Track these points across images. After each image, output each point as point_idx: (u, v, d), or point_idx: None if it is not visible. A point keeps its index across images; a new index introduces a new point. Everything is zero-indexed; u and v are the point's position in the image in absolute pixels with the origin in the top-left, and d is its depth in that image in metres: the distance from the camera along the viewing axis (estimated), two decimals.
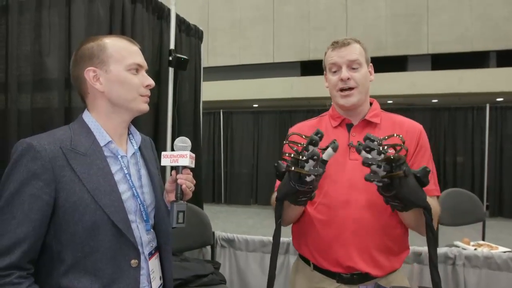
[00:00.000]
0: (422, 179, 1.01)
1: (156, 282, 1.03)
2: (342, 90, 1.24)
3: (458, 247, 2.50)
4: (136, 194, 1.00)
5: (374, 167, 0.97)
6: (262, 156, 8.08)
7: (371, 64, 1.31)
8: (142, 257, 0.98)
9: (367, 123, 1.28)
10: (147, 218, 1.02)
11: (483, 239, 3.09)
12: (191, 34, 2.67)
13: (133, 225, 0.97)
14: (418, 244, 1.93)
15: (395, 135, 0.99)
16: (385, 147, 0.96)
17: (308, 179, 1.01)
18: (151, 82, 1.02)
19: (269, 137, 8.04)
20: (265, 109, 8.58)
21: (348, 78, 1.22)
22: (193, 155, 1.05)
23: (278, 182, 1.16)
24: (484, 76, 7.16)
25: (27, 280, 0.86)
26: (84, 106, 1.03)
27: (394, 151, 0.95)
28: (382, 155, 0.95)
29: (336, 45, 1.25)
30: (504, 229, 5.91)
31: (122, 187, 0.96)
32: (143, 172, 1.06)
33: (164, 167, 1.07)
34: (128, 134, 1.06)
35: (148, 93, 1.03)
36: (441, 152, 7.31)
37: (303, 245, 1.32)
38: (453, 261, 2.02)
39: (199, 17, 8.15)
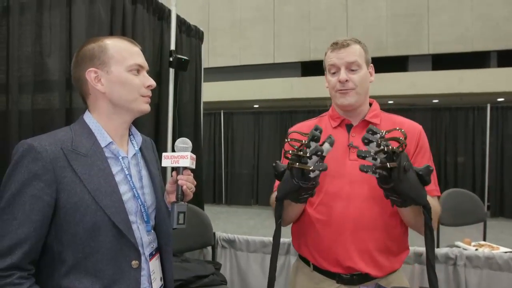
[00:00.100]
0: (424, 177, 1.01)
1: (157, 283, 1.03)
2: (340, 90, 1.25)
3: (459, 247, 2.49)
4: (137, 195, 1.00)
5: (369, 159, 0.97)
6: (263, 156, 8.08)
7: (371, 65, 1.31)
8: (142, 258, 0.98)
9: (366, 124, 1.28)
10: (148, 219, 1.03)
11: (484, 240, 3.09)
12: (191, 34, 2.67)
13: (134, 226, 0.97)
14: (419, 245, 1.92)
15: (397, 128, 0.99)
16: (386, 141, 0.96)
17: (312, 175, 1.02)
18: (152, 82, 1.02)
19: (269, 138, 8.04)
20: (265, 109, 8.59)
21: (347, 80, 1.23)
22: (194, 156, 1.05)
23: (277, 182, 1.16)
24: (485, 76, 7.16)
25: (28, 281, 0.86)
26: (85, 107, 1.03)
27: (397, 144, 0.95)
28: (381, 147, 0.95)
29: (335, 46, 1.25)
30: (505, 229, 5.90)
31: (123, 188, 0.96)
32: (144, 173, 1.06)
33: (165, 168, 1.07)
34: (129, 135, 1.06)
35: (149, 93, 1.03)
36: (442, 152, 7.30)
37: (302, 245, 1.32)
38: (454, 261, 2.01)
39: (200, 17, 8.15)
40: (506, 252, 2.15)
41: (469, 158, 7.19)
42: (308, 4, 8.42)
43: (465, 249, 2.20)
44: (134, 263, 0.95)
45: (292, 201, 1.14)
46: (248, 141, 8.27)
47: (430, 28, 7.81)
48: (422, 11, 7.85)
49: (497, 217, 6.83)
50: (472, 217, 3.14)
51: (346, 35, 7.59)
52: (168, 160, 1.03)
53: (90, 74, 0.96)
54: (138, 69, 1.00)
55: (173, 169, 1.06)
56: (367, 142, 0.98)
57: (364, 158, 0.98)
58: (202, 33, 2.83)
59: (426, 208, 1.04)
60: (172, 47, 2.32)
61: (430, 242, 1.05)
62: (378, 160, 0.97)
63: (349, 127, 1.30)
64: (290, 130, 1.31)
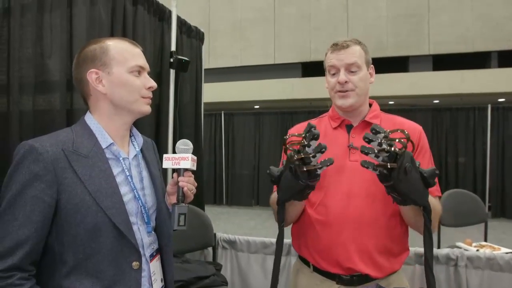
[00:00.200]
0: (427, 179, 1.01)
1: (157, 284, 1.03)
2: (339, 91, 1.25)
3: (460, 248, 2.49)
4: (137, 196, 1.00)
5: (372, 156, 0.98)
6: (264, 157, 8.08)
7: (372, 66, 1.31)
8: (143, 259, 0.99)
9: (367, 124, 1.28)
10: (148, 220, 1.03)
11: (485, 240, 3.08)
12: (192, 35, 2.68)
13: (134, 227, 0.97)
14: (419, 245, 1.92)
15: (400, 130, 0.99)
16: (390, 141, 0.96)
17: (319, 171, 1.03)
18: (153, 84, 1.02)
19: (270, 138, 8.05)
20: (266, 110, 8.59)
21: (346, 82, 1.23)
22: (195, 157, 1.05)
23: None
24: (486, 77, 7.16)
25: (28, 282, 0.86)
26: (86, 108, 1.03)
27: (401, 145, 0.96)
28: (383, 146, 0.96)
29: (335, 47, 1.26)
30: (507, 230, 5.89)
31: (124, 189, 0.96)
32: (145, 174, 1.06)
33: (165, 169, 1.07)
34: (130, 136, 1.06)
35: (150, 95, 1.03)
36: (442, 153, 7.30)
37: (302, 246, 1.32)
38: (455, 262, 2.01)
39: (200, 18, 8.17)
40: (507, 253, 2.14)
41: (470, 158, 7.19)
42: (309, 4, 8.42)
43: (466, 250, 2.20)
44: (135, 264, 0.96)
45: (295, 200, 1.15)
46: (249, 142, 8.27)
47: (430, 28, 7.81)
48: (422, 11, 7.85)
49: (498, 218, 6.82)
50: (473, 218, 3.14)
51: (346, 35, 7.60)
52: (169, 161, 1.03)
53: (92, 75, 0.96)
54: (139, 71, 1.00)
55: (174, 170, 1.06)
56: (367, 141, 0.98)
57: (367, 154, 0.99)
58: (203, 34, 2.83)
59: (426, 210, 1.05)
60: (173, 48, 2.33)
61: (429, 244, 1.06)
62: (380, 158, 0.97)
63: (349, 127, 1.30)
64: (289, 132, 1.31)
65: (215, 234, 2.36)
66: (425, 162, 1.21)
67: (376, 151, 0.98)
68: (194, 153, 1.06)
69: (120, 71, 0.97)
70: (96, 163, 0.93)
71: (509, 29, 7.29)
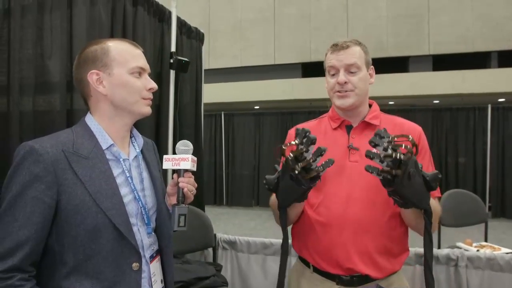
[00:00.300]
0: (430, 183, 1.02)
1: (158, 285, 1.03)
2: (339, 92, 1.25)
3: (461, 248, 2.49)
4: (137, 197, 1.00)
5: (376, 160, 0.99)
6: (264, 157, 8.08)
7: (372, 66, 1.31)
8: (143, 260, 0.99)
9: (366, 125, 1.28)
10: (149, 221, 1.03)
11: (486, 240, 3.08)
12: (192, 36, 2.68)
13: (134, 228, 0.97)
14: (419, 246, 1.92)
15: (404, 135, 1.00)
16: (397, 147, 0.97)
17: (321, 174, 1.04)
18: (154, 85, 1.02)
19: (270, 139, 8.04)
20: (266, 110, 8.60)
21: (345, 82, 1.23)
22: (195, 158, 1.05)
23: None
24: (486, 77, 7.16)
25: (28, 283, 0.86)
26: (86, 108, 1.03)
27: (406, 150, 0.96)
28: (389, 151, 0.97)
29: (335, 48, 1.26)
30: (507, 230, 5.89)
31: (124, 190, 0.96)
32: (145, 175, 1.06)
33: (165, 170, 1.07)
34: (131, 137, 1.06)
35: (151, 96, 1.03)
36: (442, 153, 7.30)
37: (303, 247, 1.32)
38: (456, 262, 2.01)
39: (200, 19, 8.18)
40: (507, 253, 2.14)
41: (470, 158, 7.19)
42: (309, 4, 8.43)
43: (467, 250, 2.20)
44: (135, 265, 0.96)
45: (296, 203, 1.16)
46: (249, 142, 8.27)
47: (430, 29, 7.82)
48: (422, 12, 7.85)
49: (498, 218, 6.82)
50: (473, 218, 3.14)
51: (346, 35, 7.60)
52: (169, 162, 1.03)
53: (92, 76, 0.96)
54: (140, 72, 1.00)
55: (174, 171, 1.06)
56: (373, 145, 0.99)
57: (372, 159, 0.99)
58: (203, 34, 2.83)
59: (427, 213, 1.06)
60: (173, 48, 2.33)
61: (429, 246, 1.08)
62: (385, 163, 0.97)
63: (349, 128, 1.30)
64: (289, 132, 1.32)
65: (215, 235, 2.36)
66: (425, 163, 1.21)
67: (381, 156, 0.98)
68: (194, 153, 1.06)
69: (121, 72, 0.97)
70: (97, 164, 0.93)
71: (509, 29, 7.29)
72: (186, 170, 1.04)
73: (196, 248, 2.32)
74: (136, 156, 1.05)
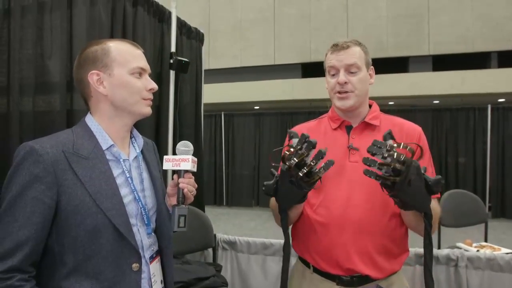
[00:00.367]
0: (432, 187, 1.02)
1: (157, 285, 1.03)
2: (339, 92, 1.25)
3: (461, 248, 2.49)
4: (137, 198, 1.00)
5: (374, 167, 1.00)
6: (264, 158, 8.07)
7: (372, 67, 1.31)
8: (143, 261, 0.98)
9: (366, 125, 1.28)
10: (148, 222, 1.03)
11: (486, 241, 3.08)
12: (192, 36, 2.68)
13: (134, 229, 0.97)
14: (420, 246, 1.92)
15: (402, 145, 1.00)
16: (397, 155, 0.98)
17: (321, 174, 1.04)
18: (154, 86, 1.02)
19: (270, 139, 8.05)
20: (266, 111, 8.60)
21: (346, 82, 1.23)
22: (195, 159, 1.05)
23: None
24: (486, 77, 7.16)
25: (28, 283, 0.86)
26: (86, 109, 1.03)
27: (410, 154, 0.98)
28: (388, 159, 0.98)
29: (335, 48, 1.26)
30: (507, 230, 5.89)
31: (124, 191, 0.96)
32: (145, 175, 1.06)
33: (165, 170, 1.07)
34: (131, 138, 1.06)
35: (151, 96, 1.03)
36: (442, 153, 7.30)
37: (302, 247, 1.32)
38: (456, 262, 2.01)
39: (200, 19, 8.18)
40: (507, 253, 2.14)
41: (470, 159, 7.19)
42: (309, 5, 8.43)
43: (467, 250, 2.20)
44: (135, 266, 0.95)
45: (296, 204, 1.17)
46: (249, 143, 8.27)
47: (430, 29, 7.82)
48: (422, 12, 7.85)
49: (498, 218, 6.82)
50: (473, 218, 3.14)
51: (346, 35, 7.60)
52: (169, 163, 1.03)
53: (93, 77, 0.96)
54: (141, 72, 1.00)
55: (174, 171, 1.06)
56: (372, 155, 0.99)
57: (369, 166, 0.99)
58: (203, 35, 2.83)
59: (427, 216, 1.06)
60: (173, 49, 2.33)
61: (429, 249, 1.09)
62: (383, 170, 0.98)
63: (349, 128, 1.30)
64: (290, 131, 1.32)
65: (215, 235, 2.36)
66: (425, 163, 1.21)
67: (378, 163, 0.99)
68: (194, 154, 1.06)
69: (121, 72, 0.97)
70: (96, 165, 0.93)
71: (509, 29, 7.30)
72: (186, 171, 1.03)
73: (196, 249, 2.32)
74: (136, 157, 1.05)
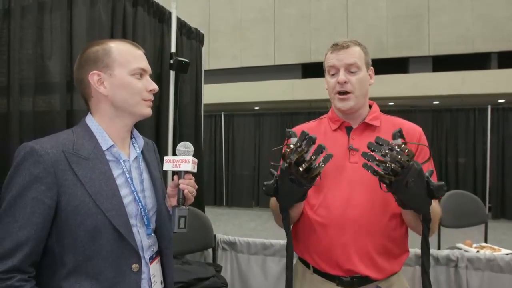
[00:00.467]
0: (433, 192, 1.02)
1: (157, 286, 1.03)
2: (339, 93, 1.25)
3: (461, 249, 2.48)
4: (137, 198, 1.00)
5: (373, 163, 1.00)
6: (264, 158, 8.07)
7: (372, 67, 1.30)
8: (143, 262, 0.98)
9: (366, 126, 1.28)
10: (148, 223, 1.02)
11: (486, 241, 3.08)
12: (192, 37, 2.68)
13: (134, 230, 0.97)
14: (420, 246, 1.92)
15: (404, 146, 1.01)
16: (400, 155, 0.98)
17: (320, 169, 1.04)
18: (155, 86, 1.02)
19: (270, 139, 8.05)
20: (266, 111, 8.60)
21: (345, 82, 1.23)
22: (196, 160, 1.05)
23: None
24: (486, 78, 7.17)
25: (28, 283, 0.86)
26: (86, 109, 1.03)
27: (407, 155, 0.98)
28: (387, 158, 0.98)
29: (335, 47, 1.26)
30: (507, 230, 5.89)
31: (124, 191, 0.96)
32: (145, 176, 1.06)
33: (165, 171, 1.07)
34: (131, 138, 1.06)
35: (152, 97, 1.03)
36: (442, 153, 7.30)
37: (302, 248, 1.32)
38: (456, 263, 2.01)
39: (200, 19, 8.18)
40: (507, 254, 2.14)
41: (470, 159, 7.19)
42: (309, 5, 8.43)
43: (467, 251, 2.20)
44: (135, 266, 0.95)
45: (297, 203, 1.17)
46: (249, 143, 8.27)
47: (430, 29, 7.82)
48: (422, 12, 7.86)
49: (498, 219, 6.81)
50: (473, 219, 3.14)
51: (346, 36, 7.60)
52: (169, 164, 1.03)
53: (93, 77, 0.96)
54: (141, 73, 1.00)
55: (174, 172, 1.06)
56: (371, 150, 1.00)
57: (368, 160, 1.00)
58: (203, 35, 2.83)
59: (425, 219, 1.06)
60: (173, 49, 2.33)
61: (426, 253, 1.10)
62: (381, 167, 0.98)
63: (348, 129, 1.30)
64: (288, 130, 1.32)
65: (215, 236, 2.36)
66: (425, 165, 1.21)
67: (376, 159, 0.99)
68: (194, 154, 1.06)
69: (122, 73, 0.97)
70: (97, 165, 0.93)
71: (509, 30, 7.30)
72: (186, 172, 1.03)
73: (196, 249, 2.32)
74: (136, 157, 1.05)
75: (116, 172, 0.97)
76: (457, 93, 7.30)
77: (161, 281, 1.06)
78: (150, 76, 1.04)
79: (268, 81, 8.21)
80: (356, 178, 1.20)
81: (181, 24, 2.53)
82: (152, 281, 1.01)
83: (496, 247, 2.65)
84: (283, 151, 1.07)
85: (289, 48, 8.51)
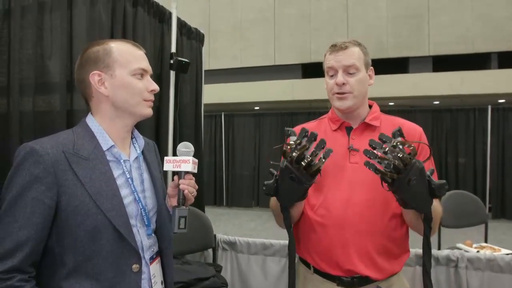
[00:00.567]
0: (435, 191, 1.02)
1: (158, 286, 1.03)
2: (337, 93, 1.25)
3: (461, 249, 2.48)
4: (137, 199, 1.00)
5: (375, 160, 1.00)
6: (264, 158, 8.07)
7: (371, 67, 1.30)
8: (143, 262, 0.98)
9: (366, 126, 1.28)
10: (149, 223, 1.02)
11: (486, 241, 3.08)
12: (192, 37, 2.68)
13: (134, 230, 0.97)
14: (420, 246, 1.92)
15: (407, 144, 1.00)
16: (402, 153, 0.98)
17: (321, 164, 1.04)
18: (155, 87, 1.02)
19: (270, 139, 8.05)
20: (266, 111, 8.60)
21: (344, 83, 1.22)
22: (196, 160, 1.05)
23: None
24: (486, 78, 7.17)
25: (28, 283, 0.86)
26: (86, 109, 1.03)
27: (409, 152, 0.98)
28: (389, 155, 0.98)
29: (334, 48, 1.25)
30: (507, 231, 5.89)
31: (124, 192, 0.96)
32: (146, 176, 1.06)
33: (166, 171, 1.07)
34: (132, 138, 1.06)
35: (152, 97, 1.03)
36: (443, 154, 7.30)
37: (303, 248, 1.32)
38: (456, 263, 2.01)
39: (200, 19, 8.18)
40: (507, 254, 2.14)
41: (470, 159, 7.19)
42: (309, 5, 8.43)
43: (467, 251, 2.20)
44: (135, 266, 0.95)
45: (298, 202, 1.17)
46: (249, 143, 8.27)
47: (430, 29, 7.82)
48: (422, 12, 7.85)
49: (498, 219, 6.81)
50: (473, 219, 3.14)
51: (346, 36, 7.61)
52: (170, 164, 1.03)
53: (94, 77, 0.96)
54: (142, 73, 1.00)
55: (174, 172, 1.05)
56: (373, 148, 1.00)
57: (370, 158, 1.00)
58: (203, 35, 2.83)
59: (427, 219, 1.06)
60: (173, 49, 2.33)
61: (427, 252, 1.10)
62: (383, 165, 0.98)
63: (349, 129, 1.29)
64: (286, 129, 1.32)
65: (215, 236, 2.36)
66: (426, 163, 1.21)
67: (378, 156, 0.99)
68: (194, 154, 1.06)
69: (123, 73, 0.97)
70: (97, 165, 0.93)
71: (509, 30, 7.30)
72: (187, 172, 1.03)
73: (196, 249, 2.32)
74: (137, 157, 1.05)
75: (116, 172, 0.97)
76: (457, 93, 7.29)
77: (161, 281, 1.06)
78: (151, 76, 1.03)
79: (268, 81, 8.21)
80: (356, 178, 1.20)
81: (181, 24, 2.53)
82: (153, 281, 1.01)
83: (496, 247, 2.65)
84: (284, 148, 1.07)
85: (289, 48, 8.51)
